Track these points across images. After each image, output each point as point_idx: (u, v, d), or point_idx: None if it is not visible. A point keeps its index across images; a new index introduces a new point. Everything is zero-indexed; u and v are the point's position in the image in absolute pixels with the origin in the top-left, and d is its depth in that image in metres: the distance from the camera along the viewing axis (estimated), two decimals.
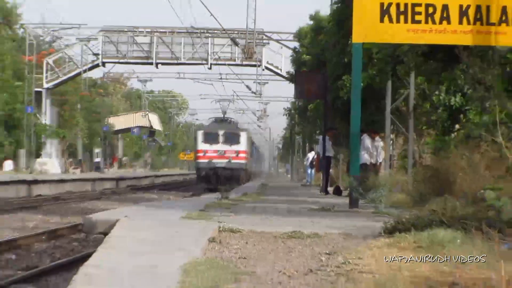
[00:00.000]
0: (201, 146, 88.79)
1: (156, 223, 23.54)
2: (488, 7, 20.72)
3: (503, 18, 20.49)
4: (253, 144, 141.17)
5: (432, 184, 25.17)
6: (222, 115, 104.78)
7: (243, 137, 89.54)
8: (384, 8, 21.07)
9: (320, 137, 66.34)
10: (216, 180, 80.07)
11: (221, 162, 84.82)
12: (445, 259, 15.66)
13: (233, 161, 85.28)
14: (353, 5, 22.06)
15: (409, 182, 28.32)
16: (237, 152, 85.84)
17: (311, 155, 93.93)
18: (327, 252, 17.15)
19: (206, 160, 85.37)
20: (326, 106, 55.79)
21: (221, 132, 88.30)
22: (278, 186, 70.63)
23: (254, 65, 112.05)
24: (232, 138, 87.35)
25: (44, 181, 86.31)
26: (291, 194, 50.89)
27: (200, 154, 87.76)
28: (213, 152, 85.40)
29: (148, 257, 17.00)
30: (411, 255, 16.06)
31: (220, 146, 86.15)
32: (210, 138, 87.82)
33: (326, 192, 53.75)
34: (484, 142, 23.75)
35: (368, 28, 21.71)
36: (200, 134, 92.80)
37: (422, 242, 17.01)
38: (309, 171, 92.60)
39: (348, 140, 32.40)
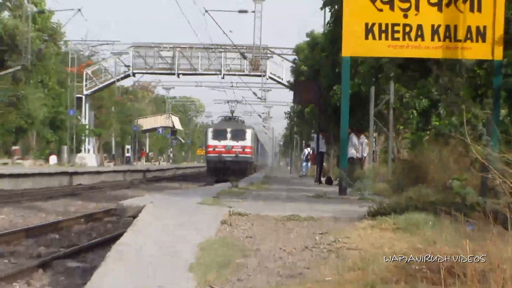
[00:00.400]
0: (211, 142, 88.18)
1: (177, 208, 23.73)
2: (455, 26, 20.86)
3: (468, 35, 20.57)
4: (258, 141, 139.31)
5: (409, 175, 25.35)
6: (230, 114, 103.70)
7: (248, 133, 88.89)
8: (369, 27, 21.20)
9: (315, 136, 67.79)
10: (224, 172, 79.25)
11: (229, 156, 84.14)
12: (419, 238, 15.80)
13: (239, 155, 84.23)
14: (343, 25, 22.18)
15: (389, 173, 28.33)
16: (243, 147, 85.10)
17: (307, 151, 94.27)
18: (320, 232, 17.31)
19: (215, 155, 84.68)
20: (320, 110, 56.67)
21: (229, 129, 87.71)
22: (279, 177, 70.54)
23: (260, 75, 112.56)
24: (238, 134, 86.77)
25: (83, 173, 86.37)
26: (290, 183, 50.82)
27: (210, 149, 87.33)
28: (221, 147, 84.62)
29: (170, 237, 17.22)
30: (391, 235, 16.18)
31: (228, 142, 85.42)
32: (219, 134, 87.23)
33: (320, 182, 53.94)
34: (453, 139, 23.75)
35: (355, 44, 21.80)
36: (210, 131, 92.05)
37: (400, 224, 17.16)
38: (304, 164, 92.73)
39: (338, 138, 32.58)
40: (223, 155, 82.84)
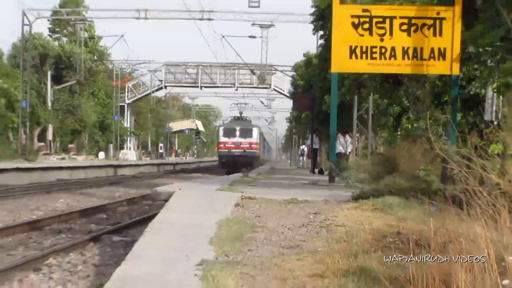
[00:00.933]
0: (222, 139, 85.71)
1: (200, 193, 23.67)
2: (421, 48, 20.95)
3: (431, 55, 20.57)
4: (264, 139, 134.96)
5: (384, 167, 25.42)
6: (239, 115, 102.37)
7: (255, 131, 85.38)
8: (352, 49, 21.25)
9: (309, 136, 68.62)
10: (233, 165, 75.78)
11: (237, 151, 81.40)
12: (393, 217, 15.89)
13: (247, 150, 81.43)
14: (332, 47, 22.19)
15: (369, 165, 28.23)
16: (250, 144, 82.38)
17: (302, 147, 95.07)
18: (314, 212, 17.36)
19: (226, 150, 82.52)
20: (313, 115, 56.90)
21: (237, 128, 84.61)
22: (281, 168, 70.27)
23: (266, 88, 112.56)
24: (246, 132, 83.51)
25: (125, 165, 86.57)
26: (290, 173, 50.69)
27: (221, 145, 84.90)
28: (231, 144, 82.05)
29: (194, 216, 17.34)
30: (370, 214, 16.27)
31: (237, 139, 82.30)
32: (229, 132, 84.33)
33: (313, 172, 53.91)
34: (419, 138, 23.73)
35: (341, 62, 21.78)
36: (221, 130, 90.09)
37: (377, 205, 17.24)
38: (301, 158, 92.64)
39: (328, 138, 32.72)
40: (232, 150, 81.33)
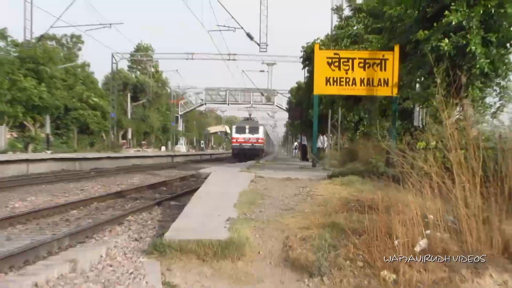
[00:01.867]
0: (235, 135, 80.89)
1: (228, 173, 23.57)
2: (372, 78, 21.20)
3: (379, 83, 20.60)
4: (268, 136, 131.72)
5: (348, 156, 25.50)
6: (248, 116, 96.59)
7: (261, 129, 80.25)
8: (327, 79, 21.36)
9: (299, 136, 69.45)
10: (243, 156, 69.65)
11: (247, 145, 76.39)
12: (354, 189, 15.95)
13: (254, 144, 76.35)
14: (314, 78, 22.25)
15: (338, 155, 28.28)
16: (257, 139, 77.27)
17: (295, 144, 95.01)
18: (302, 186, 17.36)
19: (237, 144, 77.52)
20: (302, 122, 58.11)
21: (247, 126, 79.61)
22: (281, 158, 69.88)
23: (271, 104, 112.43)
24: (254, 130, 78.36)
25: (178, 155, 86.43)
26: (286, 162, 50.42)
27: (234, 140, 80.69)
28: (242, 139, 77.07)
29: (223, 188, 17.44)
30: (339, 187, 16.28)
31: (246, 135, 77.34)
32: (240, 130, 79.36)
33: (302, 160, 53.96)
34: (372, 138, 23.80)
35: (320, 88, 21.73)
36: (234, 128, 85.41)
37: (344, 182, 17.27)
38: (294, 151, 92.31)
39: (312, 137, 32.89)
40: (243, 144, 76.51)
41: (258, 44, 44.40)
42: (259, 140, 74.67)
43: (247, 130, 75.40)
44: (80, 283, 9.21)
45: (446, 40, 16.49)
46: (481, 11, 16.33)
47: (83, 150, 58.09)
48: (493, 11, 16.32)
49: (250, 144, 73.42)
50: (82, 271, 10.05)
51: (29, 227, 15.20)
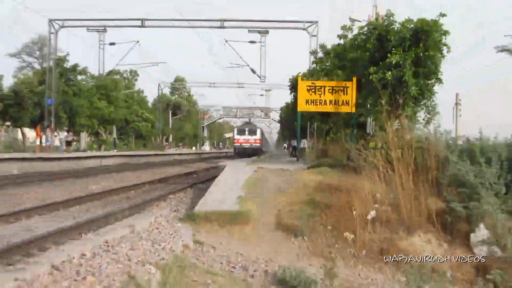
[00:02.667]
0: (236, 136, 71.14)
1: (238, 166, 23.12)
2: (337, 100, 20.58)
3: (342, 103, 20.11)
4: (265, 137, 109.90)
5: (321, 154, 25.17)
6: (248, 121, 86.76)
7: (258, 131, 71.27)
8: (306, 101, 20.83)
9: (287, 140, 68.73)
10: (243, 154, 63.21)
11: (246, 145, 68.12)
12: (326, 177, 15.77)
13: (253, 144, 68.23)
14: (298, 99, 21.90)
15: (314, 153, 27.88)
16: (255, 140, 69.19)
17: (284, 145, 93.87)
18: (290, 175, 17.06)
19: (238, 144, 68.95)
20: (289, 130, 57.53)
21: (246, 129, 70.89)
22: (275, 155, 69.22)
23: (268, 118, 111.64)
24: (252, 132, 69.86)
25: (204, 153, 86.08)
26: (279, 157, 50.15)
27: (235, 141, 70.84)
28: (242, 140, 68.80)
29: (235, 176, 17.16)
30: (315, 176, 16.05)
31: (246, 136, 69.00)
32: (240, 132, 70.45)
33: (291, 157, 53.24)
34: (338, 141, 23.49)
35: (302, 106, 21.37)
36: (235, 130, 74.76)
37: (318, 171, 16.98)
38: (285, 150, 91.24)
39: (296, 140, 32.41)
40: (243, 144, 68.32)
41: (259, 76, 44.00)
42: (257, 141, 68.24)
43: (246, 132, 68.48)
44: (136, 241, 9.26)
45: (389, 73, 16.52)
46: (412, 55, 16.40)
47: (138, 150, 58.18)
48: (420, 54, 16.38)
49: (249, 144, 67.03)
50: (137, 232, 10.12)
51: (102, 203, 15.22)
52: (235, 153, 66.64)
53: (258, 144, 67.20)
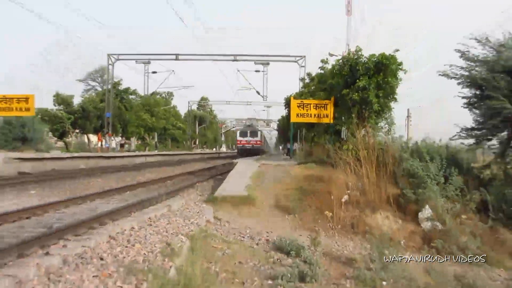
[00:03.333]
0: (238, 138, 62.44)
1: (246, 162, 22.91)
2: (320, 114, 20.06)
3: (324, 116, 19.97)
4: (265, 139, 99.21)
5: (308, 154, 24.93)
6: (249, 124, 77.16)
7: (259, 133, 63.34)
8: (297, 114, 20.48)
9: (283, 144, 67.66)
10: (246, 154, 54.26)
11: (248, 145, 59.30)
12: (312, 170, 15.62)
13: (254, 145, 59.43)
14: (290, 113, 21.64)
15: (303, 153, 27.68)
16: (256, 141, 60.52)
17: (281, 147, 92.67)
18: (285, 169, 16.90)
19: (241, 145, 60.26)
20: (285, 136, 56.76)
21: (248, 131, 62.02)
22: (274, 154, 69.08)
23: (268, 127, 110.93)
24: (253, 134, 61.45)
25: (222, 152, 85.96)
26: (277, 156, 50.00)
27: (238, 142, 62.09)
28: (244, 141, 60.22)
29: (244, 170, 17.06)
30: (304, 169, 15.91)
31: (248, 138, 60.44)
32: (243, 134, 61.76)
33: (286, 155, 52.83)
34: (320, 144, 23.23)
35: (294, 118, 21.00)
36: (238, 132, 65.27)
37: (306, 166, 16.79)
38: (282, 151, 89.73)
39: (289, 143, 32.14)
40: (245, 145, 59.59)
41: (262, 96, 44.18)
42: (258, 142, 59.14)
43: (248, 134, 59.19)
44: (171, 217, 9.24)
45: (357, 94, 16.48)
46: (375, 81, 16.33)
47: (173, 150, 57.95)
48: (381, 80, 16.31)
49: (251, 145, 57.69)
50: (173, 211, 10.09)
51: (146, 189, 15.17)
52: (238, 153, 57.00)
53: (259, 145, 59.20)
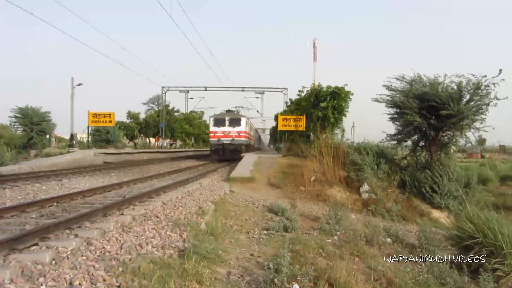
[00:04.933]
0: (212, 128, 22.80)
1: (250, 155, 21.99)
2: (297, 124, 19.94)
3: (299, 125, 19.76)
4: (255, 131, 44.30)
5: (289, 149, 24.48)
6: (229, 109, 27.69)
7: (243, 121, 23.33)
8: (282, 124, 20.30)
9: (273, 143, 65.44)
10: (222, 153, 23.08)
11: (226, 139, 22.48)
12: (292, 160, 15.38)
13: (235, 139, 22.78)
14: (278, 124, 21.31)
15: (286, 149, 27.48)
16: (239, 132, 22.94)
17: (272, 145, 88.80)
18: (274, 160, 16.60)
19: (216, 139, 22.63)
20: (274, 139, 55.19)
21: (226, 118, 22.93)
22: (267, 150, 69.24)
23: (264, 132, 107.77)
24: (234, 122, 22.87)
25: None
26: (270, 151, 49.77)
27: (212, 134, 22.81)
28: (221, 133, 22.51)
29: (248, 160, 16.70)
30: (287, 159, 15.61)
31: (226, 129, 22.58)
32: (219, 122, 22.73)
33: (275, 151, 51.72)
34: (298, 143, 22.90)
35: (280, 127, 20.82)
36: (211, 120, 23.09)
37: (288, 157, 16.49)
38: (272, 148, 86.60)
39: (277, 143, 31.79)
40: (221, 139, 22.58)
41: (260, 113, 43.99)
42: (241, 134, 23.61)
43: (226, 122, 23.11)
44: (202, 190, 9.13)
45: (320, 112, 16.42)
46: (332, 103, 16.24)
47: (203, 148, 57.66)
48: (335, 103, 16.23)
49: (231, 138, 23.01)
50: (203, 186, 9.95)
51: (186, 172, 15.01)
52: (211, 151, 24.27)
53: (242, 139, 23.91)
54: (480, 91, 11.31)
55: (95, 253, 3.78)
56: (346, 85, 16.69)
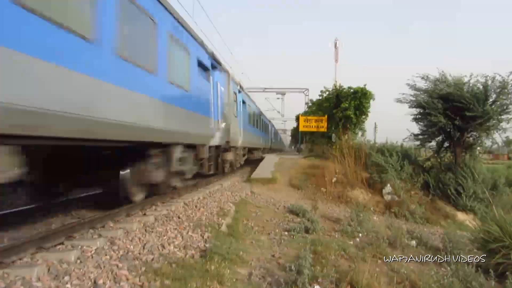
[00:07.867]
0: None
1: (272, 157, 22.23)
2: (319, 125, 19.73)
3: (321, 126, 19.51)
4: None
5: (311, 150, 24.27)
6: None
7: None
8: (303, 125, 20.11)
9: (295, 144, 64.81)
10: None
11: None
12: (314, 161, 15.22)
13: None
14: (299, 125, 21.18)
15: (307, 150, 27.31)
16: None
17: (293, 146, 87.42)
18: (295, 161, 16.50)
19: None
20: (296, 139, 54.61)
21: None
22: (288, 151, 69.05)
23: (285, 133, 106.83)
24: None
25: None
26: (291, 152, 49.66)
27: None
28: None
29: (270, 161, 16.64)
30: (308, 161, 15.48)
31: None
32: None
33: (297, 152, 51.33)
34: (319, 144, 22.71)
35: (301, 128, 20.69)
36: None
37: (309, 159, 16.30)
38: (294, 149, 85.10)
39: (299, 143, 31.53)
40: None
41: (281, 115, 43.99)
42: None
43: None
44: (223, 191, 9.14)
45: (341, 113, 16.19)
46: (353, 104, 15.97)
47: None
48: (357, 103, 15.94)
49: None
50: (224, 187, 9.97)
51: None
52: None
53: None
54: (506, 90, 10.82)
55: (119, 252, 3.79)
56: (365, 85, 16.40)
